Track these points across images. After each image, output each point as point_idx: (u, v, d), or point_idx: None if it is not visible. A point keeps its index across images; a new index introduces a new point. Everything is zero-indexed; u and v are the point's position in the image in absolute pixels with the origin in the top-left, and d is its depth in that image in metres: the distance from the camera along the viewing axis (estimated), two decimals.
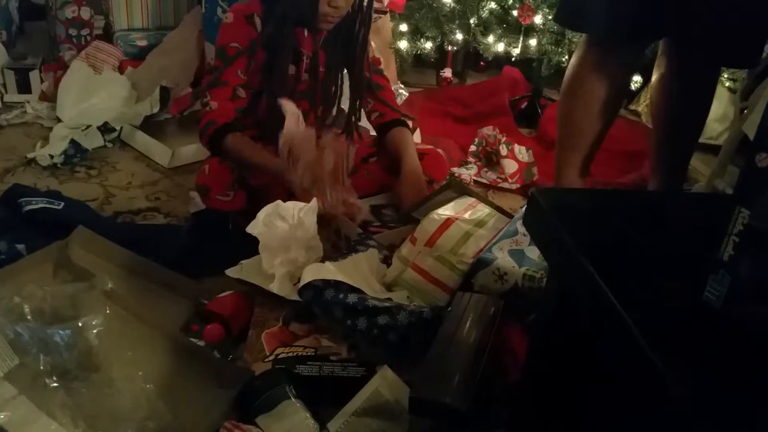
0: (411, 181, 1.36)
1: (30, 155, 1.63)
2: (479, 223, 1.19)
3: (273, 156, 1.25)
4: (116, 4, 2.13)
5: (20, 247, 1.16)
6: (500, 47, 2.06)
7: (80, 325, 0.91)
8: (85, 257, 1.11)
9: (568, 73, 1.34)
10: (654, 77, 1.46)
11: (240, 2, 1.37)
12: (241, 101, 1.34)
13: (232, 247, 1.21)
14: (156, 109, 1.86)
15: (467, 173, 1.73)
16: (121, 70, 2.01)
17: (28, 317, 0.91)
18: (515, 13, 1.99)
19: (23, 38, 2.37)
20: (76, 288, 0.98)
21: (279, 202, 1.15)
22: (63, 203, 1.32)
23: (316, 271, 1.05)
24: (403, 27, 2.19)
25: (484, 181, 1.74)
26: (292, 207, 1.14)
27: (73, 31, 2.10)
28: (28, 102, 1.90)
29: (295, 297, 1.06)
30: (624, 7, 1.17)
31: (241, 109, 1.34)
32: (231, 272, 1.14)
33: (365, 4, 1.37)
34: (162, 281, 1.15)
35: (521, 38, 2.02)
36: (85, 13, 2.11)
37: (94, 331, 0.91)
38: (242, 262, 1.15)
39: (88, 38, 2.11)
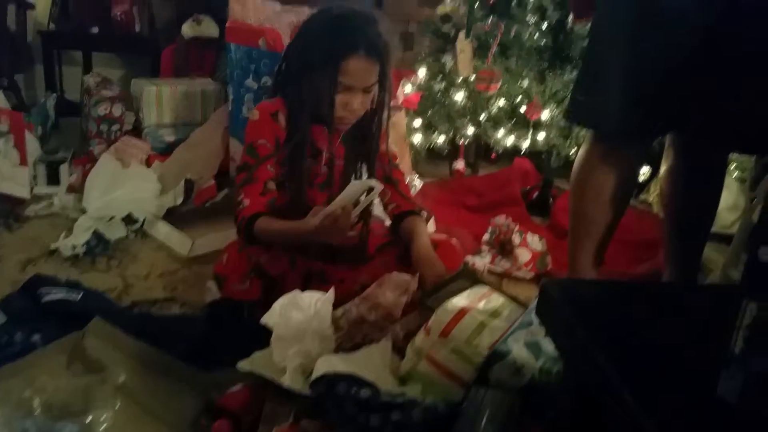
0: (424, 259, 1.37)
1: (53, 245, 1.67)
2: (494, 314, 1.18)
3: (298, 221, 1.29)
4: (147, 103, 2.25)
5: (35, 338, 1.17)
6: (510, 141, 2.13)
7: (87, 422, 0.90)
8: (100, 348, 1.11)
9: (576, 165, 1.37)
10: (663, 169, 1.49)
11: (266, 101, 1.46)
12: (272, 193, 1.39)
13: (246, 338, 1.20)
14: (179, 201, 1.93)
15: (481, 262, 1.74)
16: (148, 163, 2.10)
17: (37, 411, 0.90)
18: (523, 109, 2.07)
19: (57, 133, 2.49)
20: (88, 381, 0.98)
21: (297, 291, 1.16)
22: (82, 293, 1.34)
23: (329, 364, 1.03)
24: (417, 122, 2.28)
25: (498, 269, 1.74)
26: (309, 297, 1.15)
27: (104, 127, 2.21)
28: (56, 194, 1.97)
29: (307, 392, 1.04)
30: (630, 106, 1.21)
31: (272, 200, 1.38)
32: (242, 365, 1.13)
33: (384, 103, 1.44)
34: (174, 374, 1.13)
35: (530, 132, 2.09)
36: (117, 110, 2.23)
37: (102, 428, 0.90)
38: (254, 354, 1.15)
39: (118, 133, 2.22)
